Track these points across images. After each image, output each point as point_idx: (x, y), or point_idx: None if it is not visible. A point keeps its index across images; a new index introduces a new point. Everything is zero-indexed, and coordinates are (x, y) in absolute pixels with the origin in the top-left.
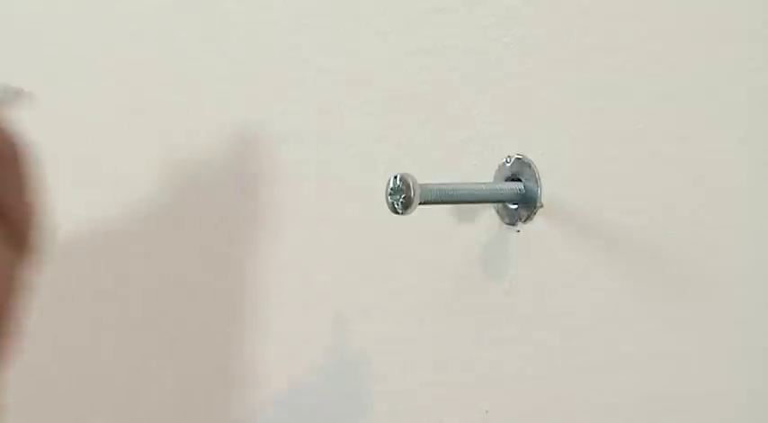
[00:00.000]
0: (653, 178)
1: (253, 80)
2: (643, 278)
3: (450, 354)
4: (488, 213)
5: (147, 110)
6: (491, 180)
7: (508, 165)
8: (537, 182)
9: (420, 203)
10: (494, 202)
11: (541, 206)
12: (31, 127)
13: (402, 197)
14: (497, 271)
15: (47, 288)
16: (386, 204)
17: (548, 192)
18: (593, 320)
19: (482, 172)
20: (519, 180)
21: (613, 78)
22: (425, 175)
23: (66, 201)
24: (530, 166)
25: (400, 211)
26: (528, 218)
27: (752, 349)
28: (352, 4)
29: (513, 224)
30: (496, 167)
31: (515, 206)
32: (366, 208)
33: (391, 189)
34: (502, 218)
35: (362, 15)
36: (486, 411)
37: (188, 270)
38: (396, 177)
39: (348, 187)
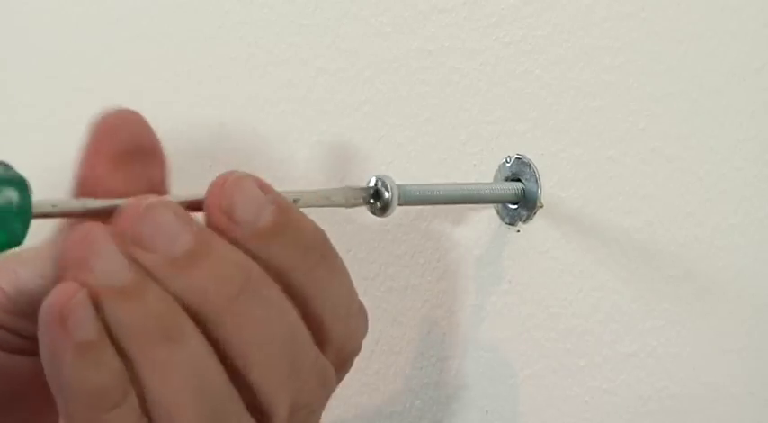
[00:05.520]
0: (653, 178)
1: (253, 80)
2: (643, 278)
3: (450, 354)
4: (488, 213)
5: (145, 110)
6: (491, 180)
7: (508, 165)
8: (537, 182)
9: (400, 205)
10: (493, 202)
11: (541, 206)
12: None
13: (380, 199)
14: (497, 271)
15: None
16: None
17: (548, 192)
18: (594, 320)
19: (482, 172)
20: (519, 180)
21: (613, 78)
22: (425, 175)
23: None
24: (530, 166)
25: (379, 214)
26: (528, 218)
27: (752, 349)
28: (352, 4)
29: (513, 224)
30: (496, 167)
31: (515, 206)
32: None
33: (370, 190)
34: (502, 218)
35: (362, 15)
36: (486, 411)
37: None
38: (374, 179)
39: None
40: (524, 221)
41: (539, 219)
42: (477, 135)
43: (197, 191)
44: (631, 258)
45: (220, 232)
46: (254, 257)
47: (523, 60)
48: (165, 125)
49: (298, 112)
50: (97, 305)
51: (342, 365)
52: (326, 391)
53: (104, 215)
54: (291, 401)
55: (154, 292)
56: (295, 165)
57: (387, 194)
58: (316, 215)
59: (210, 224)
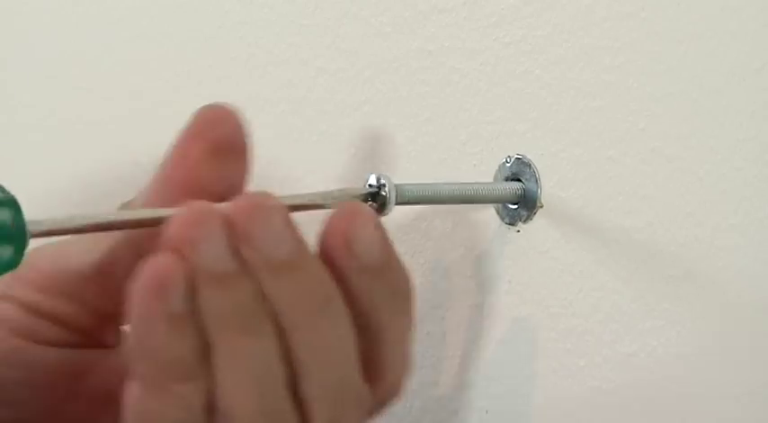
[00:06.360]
0: (653, 178)
1: (253, 80)
2: (643, 278)
3: (450, 354)
4: (488, 213)
5: (145, 111)
6: (491, 180)
7: (508, 165)
8: (537, 182)
9: (398, 204)
10: (493, 202)
11: (541, 206)
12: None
13: (378, 198)
14: (497, 271)
15: None
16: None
17: (548, 192)
18: (594, 320)
19: (482, 172)
20: (519, 180)
21: (613, 78)
22: (425, 175)
23: (65, 201)
24: (530, 166)
25: (377, 213)
26: (528, 218)
27: (752, 349)
28: (352, 4)
29: (513, 224)
30: (496, 167)
31: (515, 206)
32: None
33: (368, 191)
34: (502, 218)
35: (362, 15)
36: (486, 411)
37: None
38: (373, 177)
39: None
40: (524, 221)
41: (539, 219)
42: (477, 135)
43: None
44: (631, 258)
45: (333, 256)
46: (352, 286)
47: (523, 60)
48: (166, 125)
49: (298, 112)
50: (191, 284)
51: (379, 405)
52: (360, 421)
53: (99, 230)
54: (329, 420)
55: (246, 286)
56: (295, 165)
57: (384, 194)
58: (317, 216)
59: (328, 245)
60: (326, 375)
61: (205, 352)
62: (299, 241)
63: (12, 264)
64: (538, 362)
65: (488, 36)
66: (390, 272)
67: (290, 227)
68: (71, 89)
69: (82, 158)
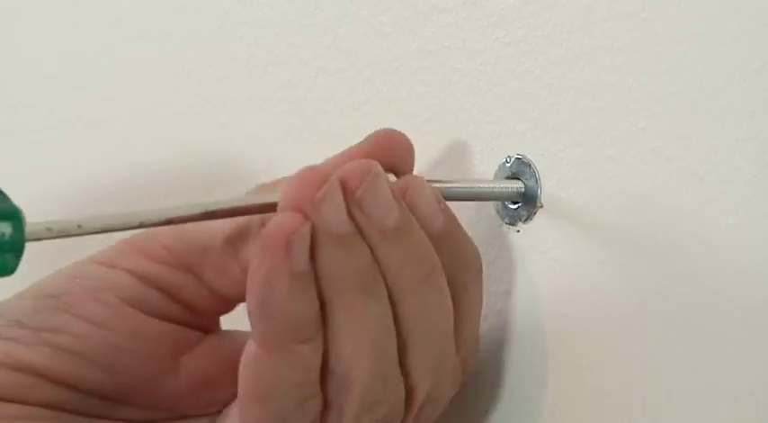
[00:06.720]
0: (653, 178)
1: (253, 80)
2: (643, 278)
3: None
4: (488, 213)
5: (145, 110)
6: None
7: (508, 165)
8: (537, 182)
9: None
10: (493, 199)
11: (541, 206)
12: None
13: None
14: (497, 271)
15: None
16: None
17: (548, 192)
18: (594, 320)
19: (482, 172)
20: (519, 180)
21: (613, 78)
22: (424, 175)
23: (65, 201)
24: (530, 166)
25: None
26: (528, 218)
27: (752, 349)
28: (352, 4)
29: (513, 224)
30: (496, 167)
31: (515, 206)
32: None
33: None
34: (502, 218)
35: (362, 15)
36: (487, 411)
37: None
38: None
39: None
40: (524, 221)
41: (539, 219)
42: (477, 135)
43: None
44: (631, 258)
45: None
46: None
47: (523, 60)
48: (165, 125)
49: (298, 112)
50: (312, 244)
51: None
52: (452, 392)
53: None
54: (428, 391)
55: (363, 249)
56: (295, 165)
57: None
58: None
59: None
60: (429, 346)
61: (322, 314)
62: (402, 209)
63: (10, 270)
64: (538, 362)
65: (488, 36)
66: (456, 238)
67: (395, 194)
68: (71, 89)
69: (82, 159)
